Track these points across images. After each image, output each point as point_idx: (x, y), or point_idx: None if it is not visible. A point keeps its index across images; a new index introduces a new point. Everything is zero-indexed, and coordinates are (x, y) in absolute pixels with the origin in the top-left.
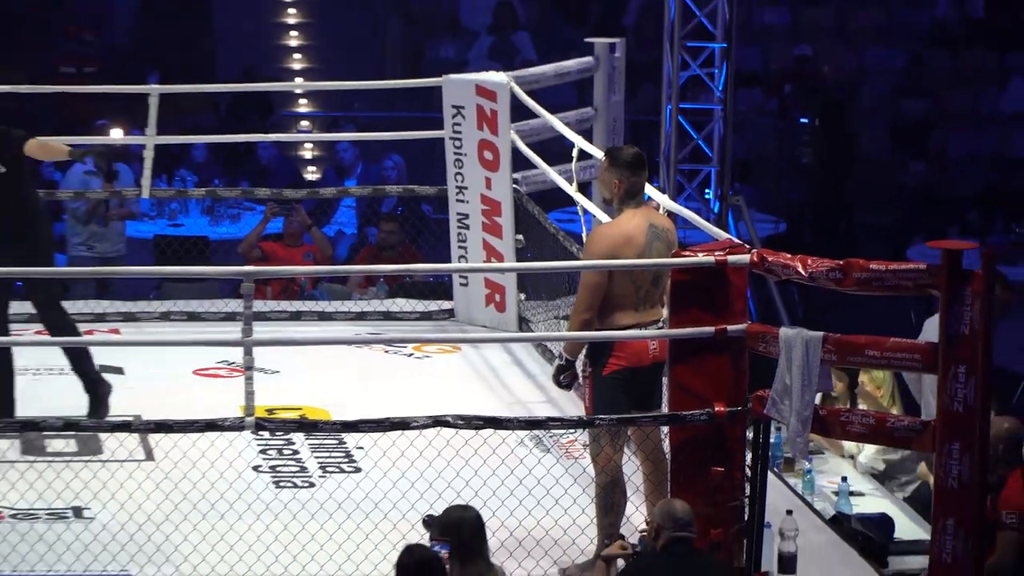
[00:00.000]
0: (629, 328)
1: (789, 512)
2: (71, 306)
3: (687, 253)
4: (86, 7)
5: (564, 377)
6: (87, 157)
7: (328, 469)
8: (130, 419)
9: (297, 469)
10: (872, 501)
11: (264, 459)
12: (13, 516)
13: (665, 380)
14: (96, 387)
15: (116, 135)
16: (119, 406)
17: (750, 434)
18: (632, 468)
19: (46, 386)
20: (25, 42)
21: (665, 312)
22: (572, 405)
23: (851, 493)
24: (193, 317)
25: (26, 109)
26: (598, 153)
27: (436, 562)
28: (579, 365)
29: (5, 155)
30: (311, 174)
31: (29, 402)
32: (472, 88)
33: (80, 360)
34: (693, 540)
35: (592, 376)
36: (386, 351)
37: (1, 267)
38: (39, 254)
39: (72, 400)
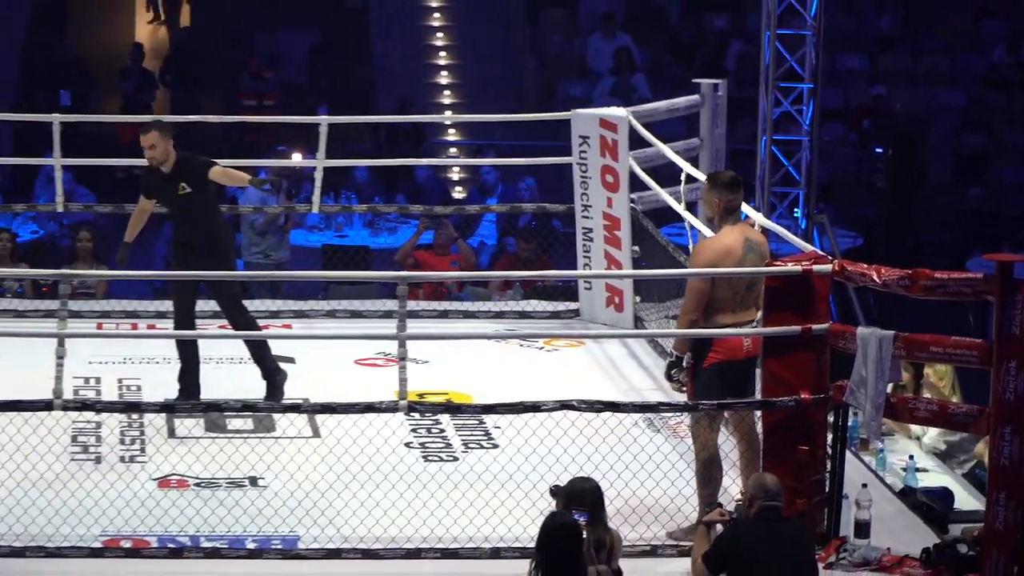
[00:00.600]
0: (727, 327)
1: (864, 485)
2: (250, 304)
3: (778, 263)
4: (265, 49)
5: (675, 372)
6: (264, 186)
7: (470, 446)
8: (300, 401)
9: (443, 446)
10: (935, 476)
11: (414, 437)
12: (198, 484)
13: (758, 371)
14: (273, 375)
15: (296, 158)
16: (290, 390)
17: (831, 418)
18: (729, 447)
19: (226, 373)
20: (215, 80)
21: (759, 313)
22: (678, 392)
23: (917, 469)
24: (355, 315)
25: (216, 135)
26: (702, 177)
27: (577, 527)
28: (687, 361)
29: (192, 179)
30: (458, 193)
31: (212, 387)
32: (596, 121)
33: (260, 352)
34: (781, 509)
35: (694, 367)
36: (520, 345)
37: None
38: (224, 262)
39: (249, 385)
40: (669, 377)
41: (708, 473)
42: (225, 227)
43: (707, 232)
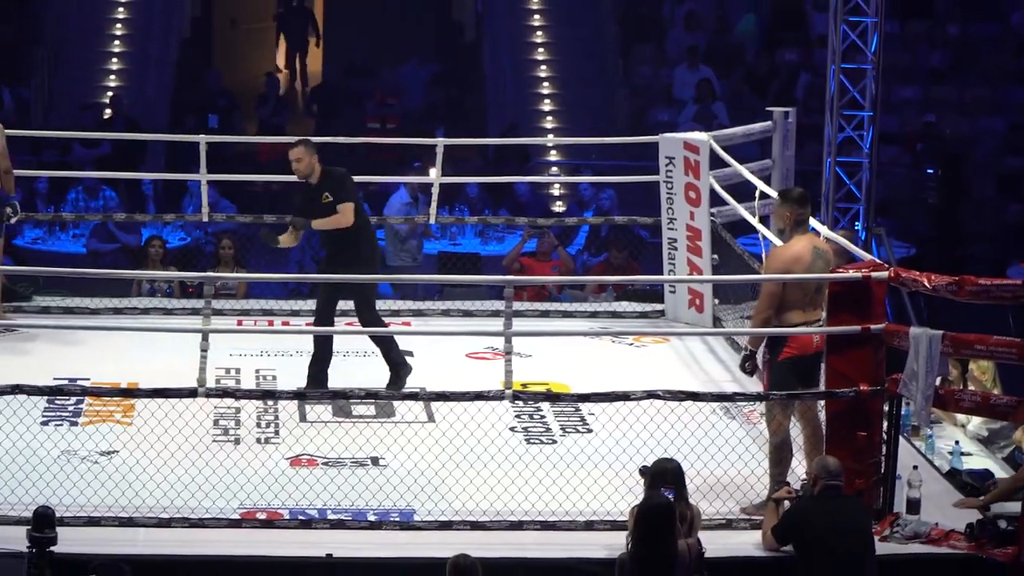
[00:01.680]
0: (798, 325)
1: (915, 467)
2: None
3: (841, 270)
4: (388, 79)
5: (748, 364)
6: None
7: (567, 430)
8: (417, 390)
9: (543, 430)
10: (978, 460)
11: (518, 422)
12: (325, 463)
13: (823, 365)
14: (399, 369)
15: (433, 174)
16: (408, 380)
17: (886, 407)
18: (796, 432)
19: (354, 365)
20: (345, 108)
21: (823, 313)
22: (752, 383)
23: (962, 453)
24: (467, 314)
25: (345, 154)
26: (774, 194)
27: (672, 507)
28: (759, 356)
29: (334, 190)
30: (558, 207)
31: (340, 376)
32: (681, 144)
33: (388, 347)
34: (842, 488)
35: (770, 361)
36: (612, 341)
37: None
38: (364, 267)
39: (372, 376)
40: (743, 368)
41: (780, 455)
42: (367, 235)
43: (777, 242)
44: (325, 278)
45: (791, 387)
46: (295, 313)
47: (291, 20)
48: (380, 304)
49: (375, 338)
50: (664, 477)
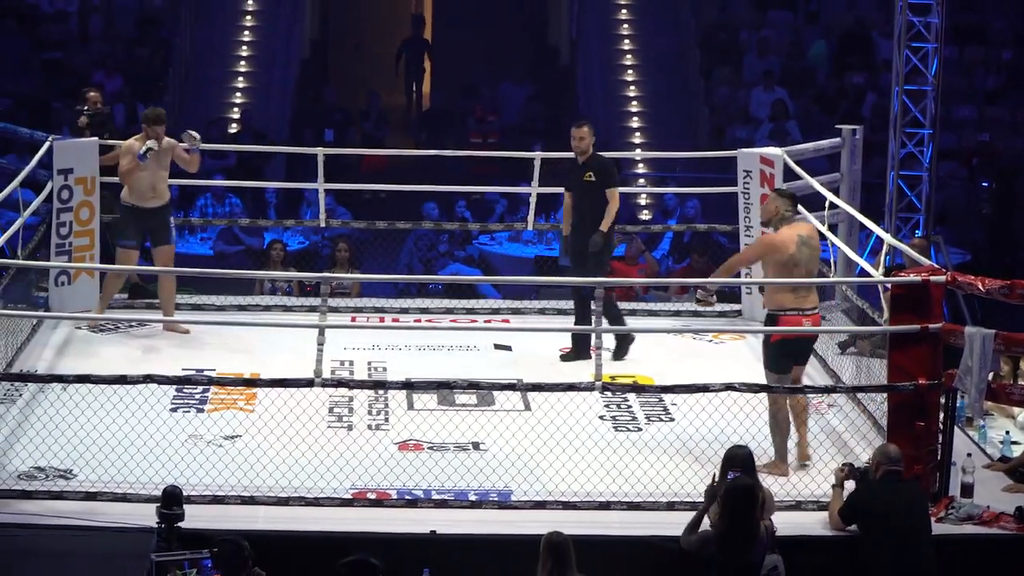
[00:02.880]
0: (789, 309)
1: (969, 455)
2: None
3: (902, 274)
4: (488, 97)
5: (701, 294)
6: None
7: (651, 419)
8: (514, 381)
9: (630, 418)
10: None
11: (607, 411)
12: (431, 448)
13: (881, 361)
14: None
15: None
16: (506, 372)
17: (943, 400)
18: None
19: (457, 359)
20: (449, 126)
21: (816, 299)
22: (820, 376)
23: (1012, 443)
24: (561, 312)
25: (450, 165)
26: (843, 205)
27: (755, 489)
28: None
29: (597, 172)
30: (645, 215)
31: (444, 369)
32: (757, 158)
33: (621, 345)
34: (902, 473)
35: (764, 344)
36: (694, 338)
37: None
38: (599, 252)
39: (475, 367)
40: (696, 298)
41: (777, 425)
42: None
43: (845, 249)
44: (434, 279)
45: (784, 367)
46: (404, 311)
47: (410, 49)
48: (483, 303)
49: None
50: (733, 461)
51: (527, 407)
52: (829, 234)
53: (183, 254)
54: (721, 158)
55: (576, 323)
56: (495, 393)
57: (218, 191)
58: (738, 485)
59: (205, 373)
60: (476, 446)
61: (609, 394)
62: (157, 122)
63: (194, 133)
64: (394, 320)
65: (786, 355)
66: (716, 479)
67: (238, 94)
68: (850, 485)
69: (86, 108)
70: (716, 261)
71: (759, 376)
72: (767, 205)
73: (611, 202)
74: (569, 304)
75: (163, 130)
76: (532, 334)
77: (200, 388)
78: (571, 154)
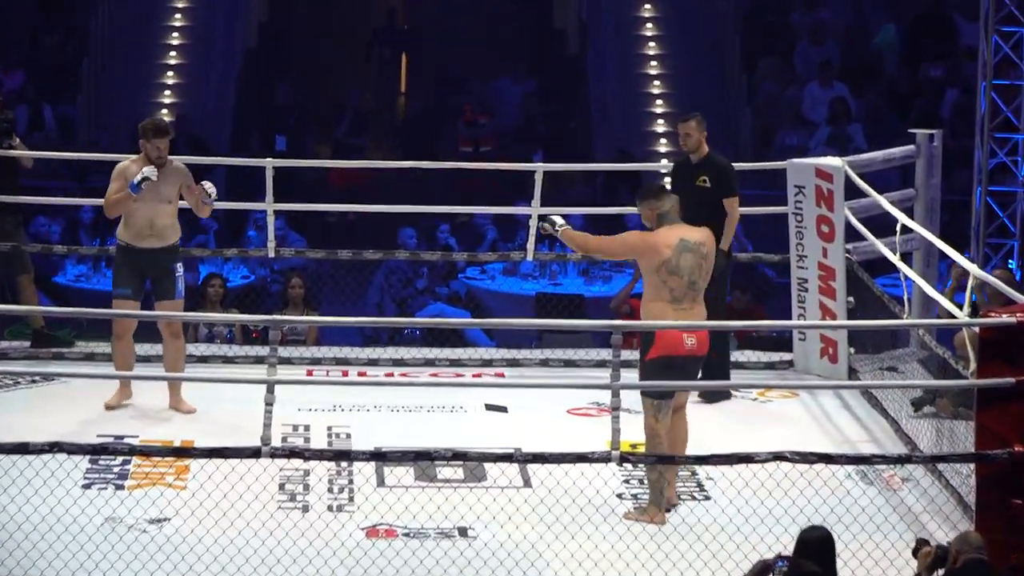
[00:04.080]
0: (666, 318)
1: None
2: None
3: (993, 313)
4: (478, 94)
5: (545, 224)
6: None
7: (682, 497)
8: (511, 451)
9: None
10: None
11: (627, 488)
12: (406, 534)
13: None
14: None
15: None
16: (502, 439)
17: None
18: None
19: (438, 422)
20: (431, 132)
21: (703, 311)
22: (892, 443)
23: None
24: (568, 364)
25: (431, 184)
26: (919, 229)
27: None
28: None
29: (713, 175)
30: None
31: (422, 435)
32: (812, 171)
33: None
34: (986, 560)
35: (640, 359)
36: (734, 395)
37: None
38: (720, 270)
39: (462, 432)
40: (538, 228)
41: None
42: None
43: (922, 283)
44: (411, 323)
45: (664, 391)
46: (373, 363)
47: (383, 40)
48: (470, 352)
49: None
50: (805, 549)
51: (526, 483)
52: (903, 266)
53: (99, 292)
54: (767, 171)
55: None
56: (487, 466)
57: None
58: (820, 534)
59: (125, 440)
60: (463, 532)
61: (629, 466)
62: (158, 134)
63: (207, 187)
64: (360, 374)
65: (665, 376)
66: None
67: (168, 92)
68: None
69: None
70: (761, 299)
71: (817, 441)
72: (641, 215)
73: (731, 214)
74: (578, 353)
75: (167, 146)
76: (533, 392)
77: (119, 459)
78: (580, 166)
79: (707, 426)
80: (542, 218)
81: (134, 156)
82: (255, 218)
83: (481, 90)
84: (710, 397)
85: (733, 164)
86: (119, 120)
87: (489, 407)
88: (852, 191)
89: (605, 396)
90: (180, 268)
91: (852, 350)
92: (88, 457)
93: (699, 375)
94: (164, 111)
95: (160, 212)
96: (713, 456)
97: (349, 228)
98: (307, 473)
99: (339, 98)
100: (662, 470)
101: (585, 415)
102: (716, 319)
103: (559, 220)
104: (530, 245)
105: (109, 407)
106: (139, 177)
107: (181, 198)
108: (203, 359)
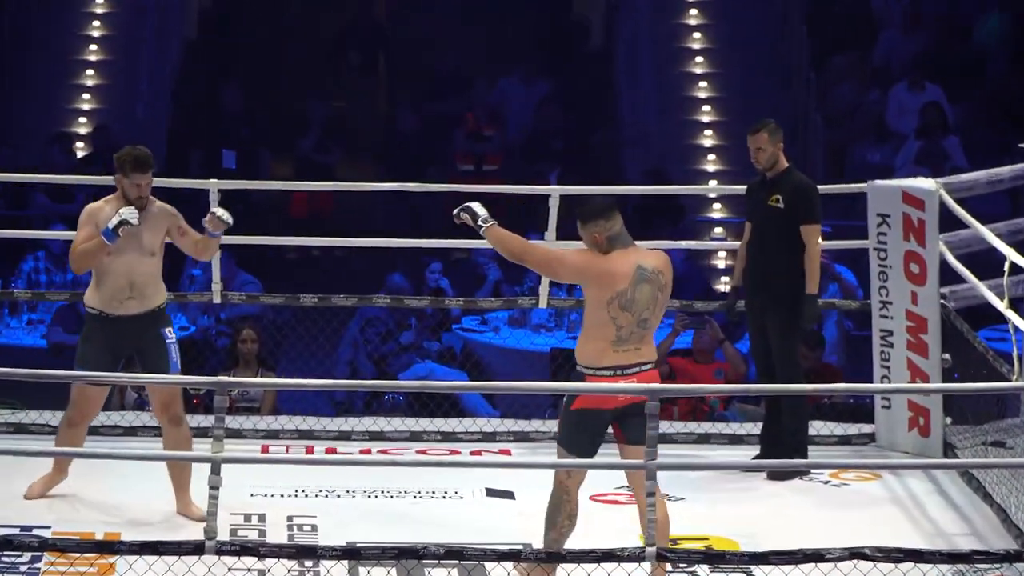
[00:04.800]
0: (602, 368)
1: None
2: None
3: None
4: (481, 101)
5: (460, 215)
6: None
7: None
8: (519, 547)
9: None
10: None
11: None
12: None
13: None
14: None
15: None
16: (510, 533)
17: None
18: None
19: (427, 510)
20: (427, 142)
21: (653, 355)
22: (997, 536)
23: None
24: None
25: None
26: None
27: None
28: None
29: (789, 195)
30: (723, 285)
31: (408, 527)
32: (899, 195)
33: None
34: None
35: (564, 404)
36: (801, 478)
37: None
38: (792, 312)
39: (458, 523)
40: (456, 215)
41: (554, 517)
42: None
43: None
44: (393, 386)
45: (580, 442)
46: (345, 436)
47: (357, 36)
48: (470, 424)
49: (783, 399)
50: None
51: None
52: (1012, 315)
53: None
54: (842, 195)
55: (765, 421)
56: (488, 566)
57: (56, 249)
58: None
59: (35, 532)
60: None
61: (668, 566)
62: (138, 168)
63: (221, 213)
64: (329, 451)
65: (587, 430)
66: None
67: (87, 96)
68: None
69: None
70: (835, 356)
71: (904, 534)
72: (584, 239)
73: (809, 247)
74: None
75: (149, 183)
76: (547, 473)
77: (27, 556)
78: (607, 189)
79: (766, 512)
80: (463, 207)
81: (107, 196)
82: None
83: (484, 95)
84: (777, 472)
85: (811, 185)
86: (25, 132)
87: (491, 492)
88: (949, 221)
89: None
90: (171, 335)
91: (948, 420)
92: None
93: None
94: (81, 119)
95: (141, 267)
96: (773, 554)
97: (314, 266)
98: (262, 573)
99: (302, 104)
100: (557, 535)
101: (613, 502)
102: (789, 378)
103: (483, 212)
104: (543, 289)
105: (32, 496)
106: (115, 221)
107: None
108: (131, 431)
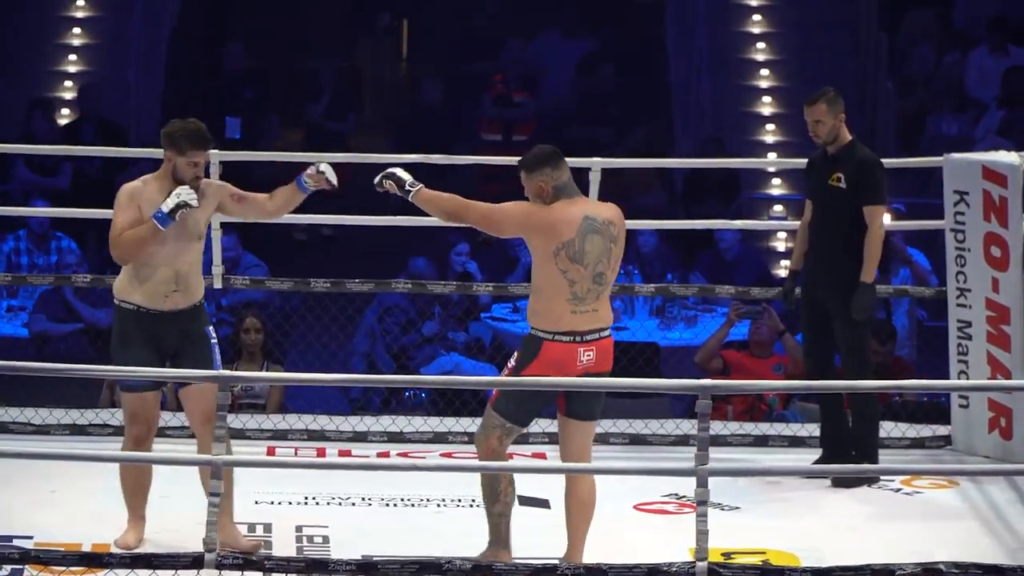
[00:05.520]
0: (563, 332)
1: None
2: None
3: None
4: (513, 60)
5: (383, 182)
6: None
7: None
8: (555, 562)
9: None
10: None
11: None
12: None
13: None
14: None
15: None
16: (546, 546)
17: None
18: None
19: (451, 519)
20: (451, 108)
21: (609, 311)
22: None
23: None
24: (636, 440)
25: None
26: None
27: None
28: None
29: (852, 173)
30: (784, 269)
31: (433, 538)
32: (979, 170)
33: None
34: None
35: (511, 371)
36: (869, 485)
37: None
38: (857, 302)
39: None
40: (378, 183)
41: (494, 488)
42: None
43: None
44: (414, 382)
45: (529, 410)
46: (360, 437)
47: None
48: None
49: (849, 398)
50: None
51: None
52: None
53: None
54: (916, 170)
55: (823, 418)
56: None
57: (38, 228)
58: None
59: (15, 542)
60: None
61: None
62: (199, 144)
63: (326, 169)
64: (343, 454)
65: (539, 397)
66: None
67: (72, 56)
68: None
69: None
70: (908, 350)
71: (983, 547)
72: (528, 189)
73: (872, 229)
74: (650, 425)
75: (205, 160)
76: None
77: (7, 569)
78: (656, 162)
79: (830, 523)
80: (385, 174)
81: (144, 176)
82: None
83: (517, 53)
84: (843, 479)
85: (876, 160)
86: (6, 96)
87: (524, 500)
88: None
89: (687, 486)
90: (214, 334)
91: None
92: None
93: (602, 397)
94: (67, 83)
95: (188, 254)
96: (838, 569)
97: (326, 248)
98: None
99: (314, 64)
100: (505, 504)
101: (659, 512)
102: (858, 374)
103: (408, 177)
104: None
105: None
106: (171, 202)
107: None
108: (122, 430)
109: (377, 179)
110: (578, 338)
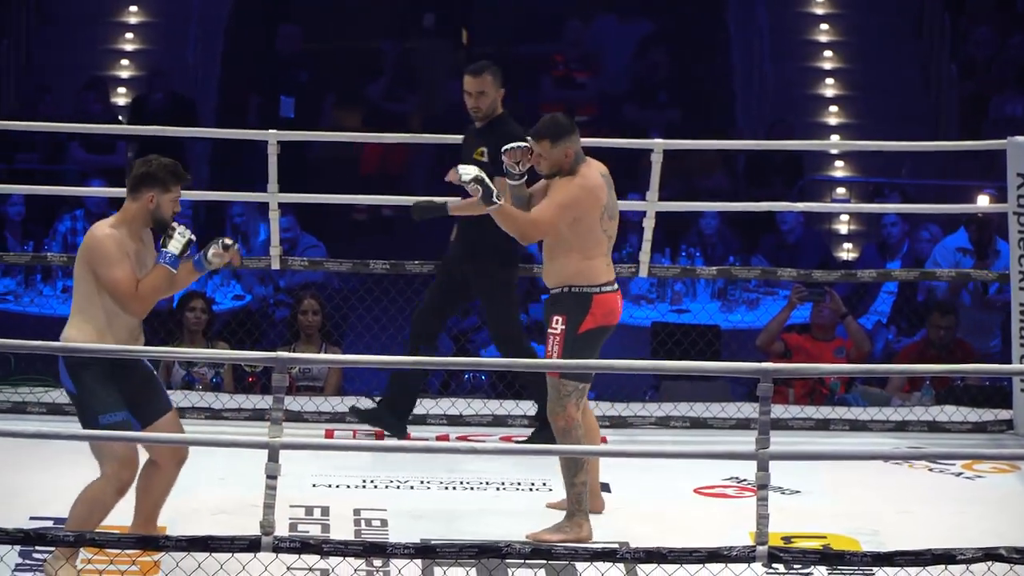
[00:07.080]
0: (604, 284)
1: None
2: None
3: None
4: (578, 43)
5: (472, 184)
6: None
7: None
8: (615, 546)
9: None
10: None
11: None
12: None
13: None
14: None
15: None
16: (603, 530)
17: None
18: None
19: (507, 503)
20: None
21: None
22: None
23: None
24: (696, 424)
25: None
26: None
27: None
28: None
29: (497, 145)
30: (846, 252)
31: (487, 521)
32: None
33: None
34: None
35: (565, 333)
36: (930, 469)
37: None
38: (504, 284)
39: (531, 516)
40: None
41: (574, 459)
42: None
43: None
44: (474, 364)
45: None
46: (420, 420)
47: None
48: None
49: (527, 375)
50: None
51: None
52: None
53: (30, 316)
54: (980, 152)
55: None
56: (579, 567)
57: (94, 208)
58: None
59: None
60: None
61: (782, 568)
62: (181, 179)
63: (230, 243)
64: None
65: (596, 348)
66: None
67: (129, 35)
68: None
69: None
70: (968, 332)
71: None
72: (551, 158)
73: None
74: (710, 409)
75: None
76: (646, 463)
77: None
78: (717, 144)
79: (892, 507)
80: (477, 178)
81: (102, 222)
82: (248, 214)
83: (577, 34)
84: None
85: (934, 141)
86: (63, 76)
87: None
88: None
89: (748, 469)
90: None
91: None
92: (18, 548)
93: None
94: (124, 62)
95: None
96: (899, 554)
97: (386, 229)
98: (326, 573)
99: (372, 44)
100: (587, 472)
101: (720, 495)
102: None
103: (495, 189)
104: (643, 255)
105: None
106: (180, 241)
107: None
108: (179, 412)
109: (467, 177)
110: (616, 288)
